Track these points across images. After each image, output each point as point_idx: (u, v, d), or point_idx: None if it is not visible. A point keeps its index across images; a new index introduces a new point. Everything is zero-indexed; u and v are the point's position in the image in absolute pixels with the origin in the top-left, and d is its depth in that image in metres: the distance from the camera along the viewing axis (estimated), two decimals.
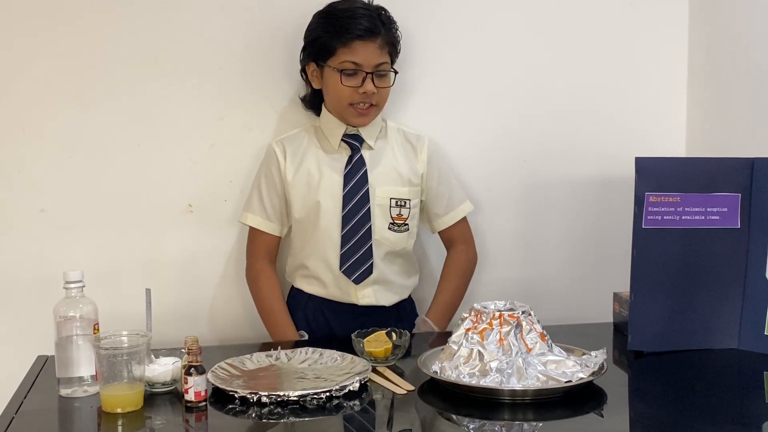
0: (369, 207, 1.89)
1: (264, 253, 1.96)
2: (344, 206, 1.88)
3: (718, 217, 1.71)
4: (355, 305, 1.91)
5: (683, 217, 1.70)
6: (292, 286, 1.99)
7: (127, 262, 2.00)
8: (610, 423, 1.38)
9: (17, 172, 1.95)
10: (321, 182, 1.89)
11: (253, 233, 1.96)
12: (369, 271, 1.89)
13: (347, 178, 1.89)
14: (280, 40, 2.03)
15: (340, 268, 1.88)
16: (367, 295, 1.91)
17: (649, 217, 1.69)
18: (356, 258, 1.89)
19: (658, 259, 1.71)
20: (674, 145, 2.27)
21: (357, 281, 1.89)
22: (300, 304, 1.95)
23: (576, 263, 2.26)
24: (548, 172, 2.22)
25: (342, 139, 1.91)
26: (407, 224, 1.94)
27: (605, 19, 2.21)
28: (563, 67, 2.20)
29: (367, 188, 1.89)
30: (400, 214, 1.92)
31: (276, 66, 2.04)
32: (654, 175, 1.69)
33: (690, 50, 2.25)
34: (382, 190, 1.91)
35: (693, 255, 1.72)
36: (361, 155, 1.91)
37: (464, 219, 2.04)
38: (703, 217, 1.71)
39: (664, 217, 1.70)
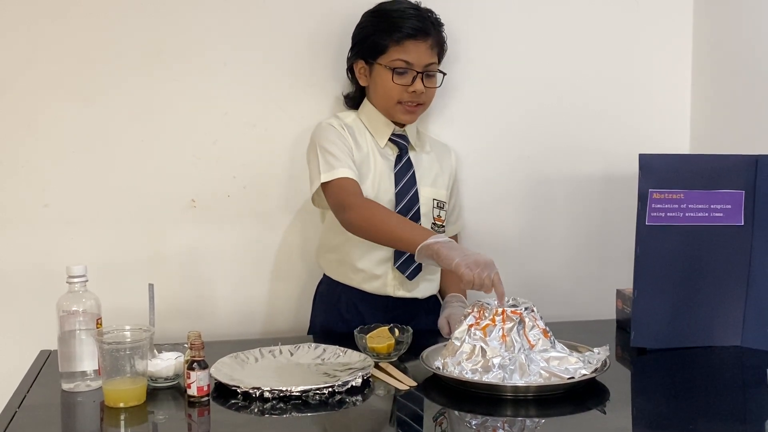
0: (418, 207, 1.89)
1: (360, 194, 1.79)
2: (396, 204, 1.87)
3: (721, 214, 1.71)
4: (389, 297, 1.90)
5: (687, 214, 1.70)
6: (325, 275, 1.96)
7: (131, 256, 2.00)
8: (613, 420, 1.38)
9: (21, 167, 1.95)
10: (376, 175, 1.88)
11: (341, 186, 1.77)
12: (419, 268, 1.88)
13: (398, 177, 1.89)
14: (284, 36, 2.03)
15: (395, 264, 1.87)
16: (404, 287, 1.90)
17: (652, 214, 1.69)
18: (409, 254, 1.82)
19: (662, 256, 1.71)
20: (678, 142, 2.26)
21: (410, 277, 1.88)
22: (333, 297, 1.93)
23: (579, 260, 2.26)
24: (552, 170, 2.22)
25: (389, 139, 1.92)
26: (444, 226, 1.95)
27: (609, 16, 2.21)
28: (567, 65, 2.19)
29: (416, 189, 1.90)
30: (439, 216, 1.94)
31: (280, 61, 2.04)
32: (657, 171, 1.69)
33: (694, 47, 2.25)
34: (426, 191, 1.92)
35: (696, 252, 1.72)
36: (408, 156, 1.92)
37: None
38: (706, 214, 1.71)
39: (668, 214, 1.70)
